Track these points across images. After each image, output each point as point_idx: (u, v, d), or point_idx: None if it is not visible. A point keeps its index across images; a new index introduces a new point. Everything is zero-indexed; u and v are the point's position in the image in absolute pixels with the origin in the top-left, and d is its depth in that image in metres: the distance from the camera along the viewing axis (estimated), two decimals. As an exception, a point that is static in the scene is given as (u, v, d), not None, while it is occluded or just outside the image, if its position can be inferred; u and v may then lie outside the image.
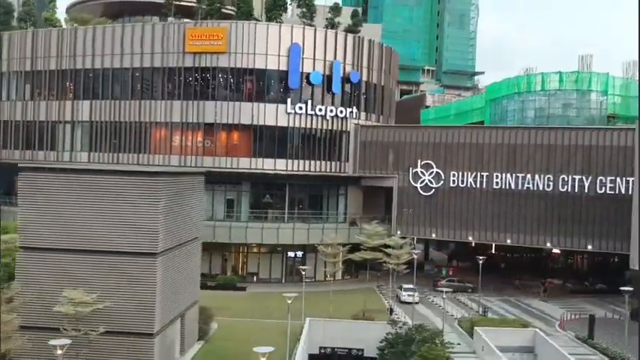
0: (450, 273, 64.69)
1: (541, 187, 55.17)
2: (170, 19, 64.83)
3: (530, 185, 55.50)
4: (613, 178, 53.26)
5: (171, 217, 31.51)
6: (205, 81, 57.75)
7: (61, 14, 79.92)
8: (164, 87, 58.28)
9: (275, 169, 57.16)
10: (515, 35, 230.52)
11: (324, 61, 58.21)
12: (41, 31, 62.64)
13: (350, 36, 60.57)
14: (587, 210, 53.96)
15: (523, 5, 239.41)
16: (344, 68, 59.18)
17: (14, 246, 31.38)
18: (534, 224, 55.51)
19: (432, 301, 53.98)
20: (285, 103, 57.24)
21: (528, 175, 55.57)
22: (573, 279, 64.00)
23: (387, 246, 46.09)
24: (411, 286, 51.33)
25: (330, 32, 59.55)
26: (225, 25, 57.38)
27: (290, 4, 65.71)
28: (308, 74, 57.58)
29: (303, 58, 57.22)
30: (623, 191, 52.33)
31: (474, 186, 57.19)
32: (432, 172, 58.37)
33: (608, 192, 53.30)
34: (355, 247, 50.20)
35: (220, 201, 58.76)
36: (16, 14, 69.25)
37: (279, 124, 57.22)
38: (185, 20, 62.38)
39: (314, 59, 57.78)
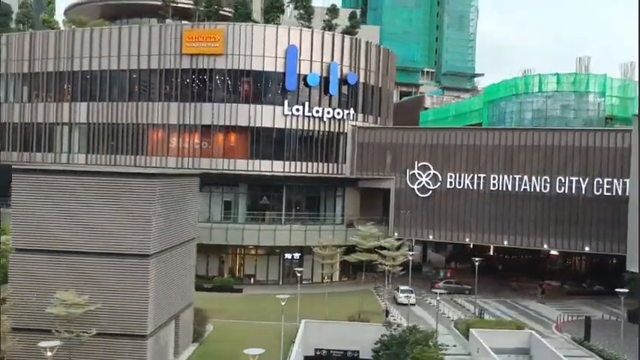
0: (448, 275, 64.63)
1: (538, 189, 55.11)
2: (168, 21, 64.86)
3: (528, 187, 55.45)
4: (610, 179, 53.22)
5: (165, 219, 31.49)
6: (202, 83, 57.76)
7: (59, 16, 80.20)
8: (161, 89, 58.28)
9: (272, 171, 57.15)
10: (515, 36, 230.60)
11: (322, 62, 58.21)
12: (39, 33, 62.73)
13: (347, 38, 60.59)
14: (585, 212, 53.89)
15: (523, 4, 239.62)
16: (341, 70, 59.20)
17: (9, 247, 31.39)
18: (531, 226, 55.46)
19: (429, 303, 53.87)
20: (283, 104, 57.22)
21: (525, 177, 55.53)
22: (571, 281, 63.92)
23: (382, 248, 45.99)
24: (407, 287, 51.24)
25: (328, 34, 59.57)
26: (222, 26, 57.43)
27: (287, 6, 65.72)
28: (305, 76, 57.58)
29: (300, 60, 57.24)
30: (620, 193, 52.27)
31: (471, 188, 57.14)
32: (429, 173, 58.33)
33: (605, 194, 53.25)
34: (352, 249, 50.18)
35: (217, 203, 58.77)
36: (14, 16, 69.18)
37: (276, 126, 57.21)
38: (183, 22, 62.43)
39: (311, 61, 57.79)
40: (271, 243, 57.25)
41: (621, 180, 52.20)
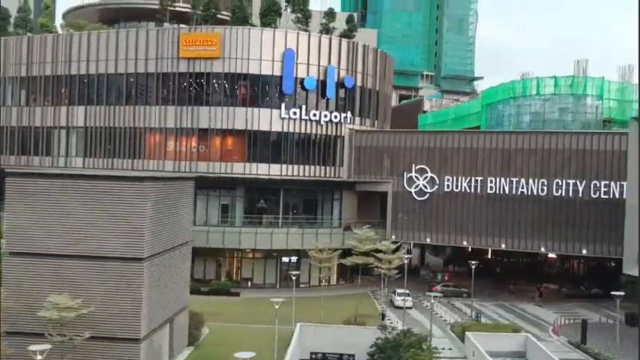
0: (446, 278, 64.48)
1: (535, 192, 55.05)
2: (166, 24, 64.98)
3: (525, 190, 55.39)
4: (607, 182, 53.16)
5: (159, 222, 31.49)
6: (199, 86, 57.82)
7: (59, 20, 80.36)
8: (158, 92, 58.35)
9: (269, 174, 57.16)
10: (514, 39, 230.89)
11: (319, 66, 58.27)
12: (36, 37, 62.86)
13: (344, 41, 60.64)
14: (582, 214, 53.82)
15: (522, 8, 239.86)
16: (338, 73, 59.23)
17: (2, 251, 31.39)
18: (529, 229, 55.38)
19: (427, 306, 53.68)
20: (280, 108, 57.25)
21: (522, 180, 55.48)
22: (569, 284, 63.81)
23: (379, 251, 45.94)
24: (404, 290, 51.15)
25: (325, 37, 59.63)
26: (219, 30, 57.50)
27: (285, 10, 65.82)
28: (302, 79, 57.61)
29: (297, 64, 57.27)
30: (617, 195, 52.17)
31: (468, 191, 57.09)
32: (427, 176, 58.30)
33: (602, 196, 53.18)
34: (349, 252, 50.12)
35: (215, 206, 58.77)
36: (12, 20, 69.30)
37: (273, 129, 57.26)
38: (180, 26, 62.52)
39: (308, 64, 57.84)
40: (268, 246, 57.19)
41: (618, 183, 52.10)
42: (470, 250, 65.32)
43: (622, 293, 38.52)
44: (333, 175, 59.94)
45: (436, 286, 59.69)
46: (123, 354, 29.36)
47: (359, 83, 61.32)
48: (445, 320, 49.04)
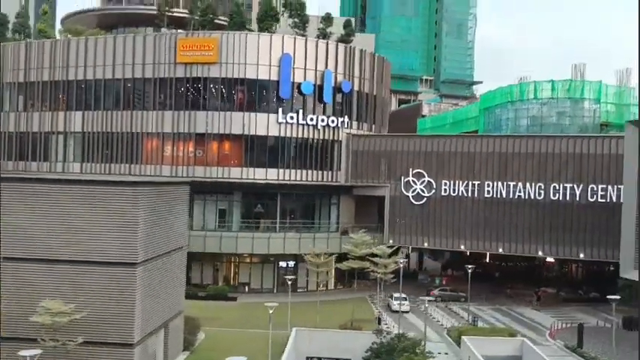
0: (444, 282, 64.36)
1: (532, 196, 55.03)
2: (163, 30, 65.17)
3: (522, 194, 55.36)
4: (604, 186, 53.15)
5: (153, 227, 31.46)
6: (196, 91, 57.92)
7: (58, 26, 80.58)
8: (155, 97, 58.46)
9: (266, 179, 57.16)
10: (514, 39, 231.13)
11: (316, 70, 58.34)
12: (34, 43, 63.01)
13: (341, 46, 60.74)
14: (579, 218, 53.79)
15: (522, 8, 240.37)
16: (335, 78, 59.30)
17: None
18: (526, 233, 55.34)
19: (424, 310, 53.53)
20: (277, 112, 57.31)
21: (520, 184, 55.46)
22: (567, 288, 63.65)
23: (375, 255, 45.90)
24: (402, 295, 51.02)
25: (321, 42, 59.73)
26: (216, 35, 57.62)
27: (282, 15, 65.99)
28: (299, 84, 57.71)
29: (294, 68, 57.36)
30: (614, 199, 52.13)
31: (465, 195, 57.06)
32: (424, 181, 58.29)
33: (599, 200, 53.17)
34: (346, 257, 50.03)
35: (212, 211, 58.78)
36: (10, 26, 69.49)
37: (270, 134, 57.30)
38: (178, 31, 62.68)
39: (305, 69, 57.91)
40: (265, 251, 57.16)
41: (615, 186, 52.04)
42: (468, 254, 65.28)
43: (617, 297, 38.54)
44: (330, 179, 59.95)
45: (434, 290, 59.60)
46: (117, 359, 29.29)
47: (356, 88, 61.38)
48: (442, 324, 48.95)
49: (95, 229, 29.35)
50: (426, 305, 40.75)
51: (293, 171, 57.92)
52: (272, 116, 57.23)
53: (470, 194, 56.91)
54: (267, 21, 62.43)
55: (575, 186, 53.97)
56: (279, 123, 57.30)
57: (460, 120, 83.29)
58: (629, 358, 39.30)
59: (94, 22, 75.46)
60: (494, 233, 56.34)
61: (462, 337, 39.90)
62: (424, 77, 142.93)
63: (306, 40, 58.87)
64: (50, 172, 60.34)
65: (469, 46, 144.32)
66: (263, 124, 57.10)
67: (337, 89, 59.59)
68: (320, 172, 59.26)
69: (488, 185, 56.42)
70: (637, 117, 58.96)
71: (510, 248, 56.39)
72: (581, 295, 61.13)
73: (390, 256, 45.77)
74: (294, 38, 58.56)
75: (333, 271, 58.66)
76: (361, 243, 46.60)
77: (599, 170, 53.54)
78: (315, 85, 58.18)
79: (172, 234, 34.87)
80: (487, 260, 71.04)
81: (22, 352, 21.31)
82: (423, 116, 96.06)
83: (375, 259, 45.32)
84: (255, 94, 58.07)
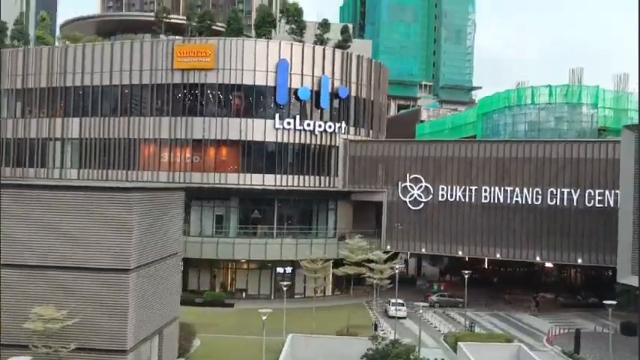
0: (442, 288, 64.16)
1: (530, 201, 54.91)
2: (161, 36, 65.30)
3: (519, 199, 55.24)
4: (602, 190, 53.03)
5: (146, 233, 31.36)
6: (194, 97, 57.98)
7: (58, 32, 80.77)
8: (153, 104, 58.50)
9: (263, 185, 57.11)
10: (513, 44, 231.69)
11: (312, 76, 58.38)
12: (32, 49, 63.20)
13: (338, 51, 60.81)
14: (576, 223, 53.65)
15: (522, 8, 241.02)
16: (332, 83, 59.34)
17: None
18: (524, 238, 55.19)
19: (421, 316, 53.37)
20: (274, 118, 57.31)
21: (517, 189, 55.34)
22: (566, 293, 63.41)
23: (371, 261, 45.78)
24: (399, 300, 50.93)
25: (318, 48, 59.79)
26: (213, 41, 57.72)
27: (279, 21, 66.13)
28: (296, 90, 57.72)
29: (291, 74, 57.40)
30: (611, 204, 51.98)
31: (462, 200, 56.95)
32: (421, 186, 58.18)
33: (596, 205, 53.05)
34: (342, 263, 49.89)
35: (209, 217, 58.68)
36: (9, 33, 69.63)
37: (267, 140, 57.31)
38: (175, 37, 62.81)
39: (302, 75, 57.96)
40: (262, 257, 57.04)
41: (613, 191, 51.93)
42: (467, 259, 65.14)
43: (614, 302, 38.34)
44: (327, 185, 59.88)
45: (432, 295, 59.46)
46: (110, 365, 29.16)
47: (353, 93, 61.41)
48: (439, 330, 48.77)
49: (88, 236, 29.26)
50: (421, 312, 40.51)
51: (290, 176, 57.87)
52: (269, 122, 57.24)
53: (467, 199, 56.80)
54: (265, 27, 62.61)
55: (572, 191, 53.87)
56: (277, 129, 57.29)
57: (459, 125, 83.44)
58: (625, 364, 39.14)
59: (93, 29, 75.88)
60: (492, 238, 56.20)
61: (459, 342, 39.69)
62: (423, 83, 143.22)
63: (303, 45, 58.96)
64: (48, 178, 60.39)
65: (468, 51, 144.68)
66: (260, 129, 57.10)
67: (334, 95, 59.63)
68: (317, 178, 59.20)
69: (486, 190, 56.31)
70: (634, 122, 59.02)
71: (508, 254, 56.23)
72: (579, 300, 60.93)
73: (386, 261, 45.64)
74: (291, 44, 58.65)
75: (331, 277, 58.54)
76: (357, 248, 46.49)
77: (597, 175, 53.44)
78: (312, 91, 58.20)
79: (167, 240, 34.76)
80: (486, 266, 70.92)
81: (13, 359, 21.19)
82: (422, 122, 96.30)
83: (371, 265, 45.20)
84: (253, 100, 58.15)
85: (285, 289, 42.91)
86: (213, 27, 66.06)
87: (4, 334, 28.45)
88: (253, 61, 56.84)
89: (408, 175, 58.71)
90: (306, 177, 58.58)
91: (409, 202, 58.54)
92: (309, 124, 58.31)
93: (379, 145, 61.62)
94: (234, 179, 56.85)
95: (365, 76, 63.02)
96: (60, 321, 27.24)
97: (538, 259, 56.34)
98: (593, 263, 54.38)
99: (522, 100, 67.89)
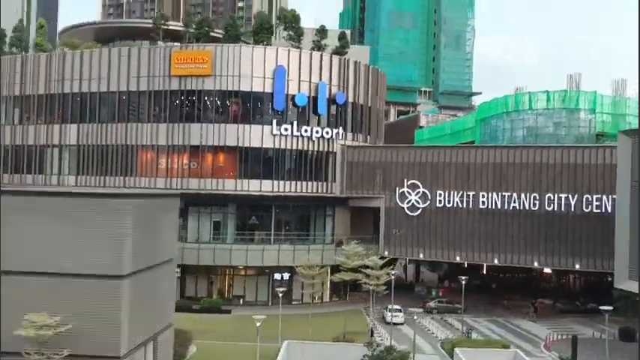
0: (440, 294, 63.97)
1: (527, 207, 54.81)
2: (159, 43, 65.45)
3: (517, 204, 55.14)
4: (599, 196, 52.93)
5: (140, 239, 31.23)
6: (191, 103, 58.06)
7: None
8: (150, 110, 58.59)
9: (261, 191, 57.08)
10: (513, 50, 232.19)
11: (310, 82, 58.45)
12: (30, 56, 63.43)
13: (335, 58, 60.91)
14: (574, 229, 53.54)
15: (521, 15, 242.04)
16: (330, 89, 59.40)
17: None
18: (521, 244, 55.07)
19: (419, 322, 53.25)
20: (271, 124, 57.34)
21: (514, 195, 55.25)
22: (564, 299, 63.23)
23: (367, 267, 45.68)
24: (396, 306, 50.80)
25: (315, 54, 59.89)
26: (210, 48, 57.83)
27: (277, 28, 66.27)
28: (293, 96, 57.79)
29: (288, 80, 57.47)
30: (609, 209, 51.81)
31: (460, 206, 56.86)
32: (419, 191, 58.11)
33: (594, 210, 52.96)
34: (339, 269, 49.84)
35: (206, 223, 58.65)
36: (7, 40, 69.84)
37: (264, 146, 57.31)
38: (173, 44, 62.97)
39: (299, 81, 58.03)
40: (259, 263, 56.95)
41: (610, 196, 51.75)
42: (466, 265, 64.96)
43: (610, 308, 38.28)
44: (325, 190, 59.83)
45: (430, 302, 59.31)
46: (103, 372, 29.04)
47: (350, 99, 61.46)
48: (437, 337, 48.60)
49: (81, 242, 29.14)
50: (415, 318, 40.42)
51: (288, 182, 57.86)
52: (266, 128, 57.28)
53: (465, 205, 56.72)
54: (262, 34, 62.76)
55: (569, 196, 53.77)
56: (274, 135, 57.32)
57: (458, 131, 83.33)
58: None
59: (91, 36, 76.07)
60: (490, 244, 56.08)
61: (455, 349, 39.64)
62: (423, 89, 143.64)
63: (300, 52, 59.06)
64: (45, 184, 60.44)
65: (467, 57, 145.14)
66: (257, 135, 57.13)
67: (331, 101, 59.67)
68: (315, 184, 59.18)
69: (483, 196, 56.22)
70: (633, 127, 58.91)
71: (506, 259, 56.10)
72: (578, 306, 60.72)
73: (382, 267, 45.52)
74: (288, 50, 58.76)
75: (329, 283, 58.48)
76: (353, 254, 46.42)
77: (594, 180, 53.37)
78: (309, 97, 58.26)
79: (161, 246, 34.64)
80: (484, 272, 70.66)
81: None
82: (421, 127, 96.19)
83: (367, 271, 45.08)
84: (250, 106, 58.19)
85: (281, 295, 42.72)
86: (211, 34, 66.25)
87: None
88: (250, 67, 56.94)
89: (405, 180, 58.65)
90: (304, 183, 58.57)
91: (407, 207, 58.47)
92: (306, 130, 58.33)
93: (377, 151, 61.62)
94: (231, 185, 56.85)
95: (362, 82, 63.08)
96: (52, 327, 27.15)
97: (536, 264, 56.21)
98: (590, 269, 54.23)
99: (520, 105, 67.82)
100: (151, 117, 58.45)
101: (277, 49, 58.44)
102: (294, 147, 58.12)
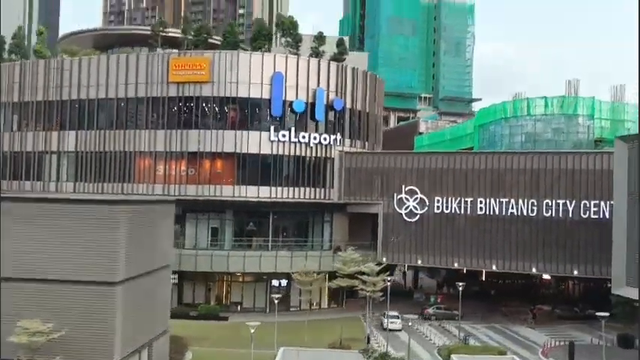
0: (439, 300, 63.77)
1: (525, 213, 54.73)
2: (158, 50, 65.62)
3: (515, 210, 55.06)
4: (597, 202, 52.83)
5: (135, 246, 31.24)
6: (189, 110, 58.12)
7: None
8: (148, 117, 58.66)
9: (258, 197, 57.05)
10: (514, 53, 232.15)
11: (307, 88, 58.50)
12: (29, 63, 63.58)
13: (333, 64, 60.99)
14: (572, 235, 53.43)
15: (521, 20, 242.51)
16: (327, 95, 59.42)
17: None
18: (519, 250, 54.94)
19: (416, 329, 53.16)
20: (269, 130, 57.38)
21: (512, 201, 55.17)
22: (563, 305, 62.99)
23: (363, 273, 45.58)
24: (393, 313, 50.65)
25: (313, 60, 59.98)
26: (208, 54, 57.96)
27: (275, 34, 66.41)
28: (291, 102, 57.85)
29: (285, 86, 57.54)
30: (607, 215, 51.69)
31: (458, 212, 56.79)
32: (417, 198, 58.07)
33: (592, 216, 52.85)
34: (336, 275, 49.70)
35: (204, 229, 58.61)
36: (7, 47, 70.09)
37: (262, 152, 57.30)
38: (171, 50, 63.12)
39: (297, 87, 58.09)
40: (257, 270, 56.83)
41: (608, 202, 51.60)
42: (465, 272, 64.85)
43: (607, 314, 38.12)
44: (323, 197, 59.79)
45: (428, 308, 59.12)
46: (96, 379, 28.98)
47: (348, 105, 61.49)
48: (434, 343, 48.43)
49: (75, 248, 29.19)
50: (409, 324, 40.27)
51: (285, 189, 57.83)
52: (264, 134, 57.31)
53: (462, 211, 56.64)
54: (260, 40, 62.93)
55: (567, 202, 53.68)
56: (272, 141, 57.34)
57: (457, 137, 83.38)
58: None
59: (90, 43, 76.26)
60: (488, 250, 55.96)
61: (452, 355, 39.52)
62: (423, 95, 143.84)
63: (297, 58, 59.17)
64: (44, 191, 60.49)
65: (467, 63, 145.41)
66: (255, 142, 57.16)
67: (329, 107, 59.70)
68: (313, 190, 59.14)
69: (481, 202, 56.15)
70: (631, 132, 58.84)
71: (504, 265, 55.96)
72: (577, 312, 60.42)
73: (378, 273, 45.41)
74: (286, 57, 58.88)
75: (327, 289, 58.36)
76: (350, 260, 46.32)
77: (592, 186, 53.28)
78: (307, 103, 58.29)
79: (156, 252, 34.65)
80: (483, 278, 70.48)
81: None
82: (420, 133, 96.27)
83: (364, 277, 44.98)
84: (248, 113, 58.23)
85: (276, 302, 42.60)
86: (210, 40, 66.45)
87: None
88: (248, 73, 57.02)
89: (403, 186, 58.61)
90: (302, 189, 58.54)
91: (405, 213, 58.40)
92: (304, 136, 58.35)
93: (375, 157, 61.62)
94: (229, 192, 56.83)
95: (360, 88, 63.14)
96: (45, 334, 27.13)
97: (534, 270, 56.05)
98: (589, 275, 54.07)
99: (518, 111, 67.92)
100: (149, 123, 58.51)
101: (275, 56, 58.57)
102: (292, 153, 58.12)
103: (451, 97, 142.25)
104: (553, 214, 53.97)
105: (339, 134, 60.60)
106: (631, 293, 41.67)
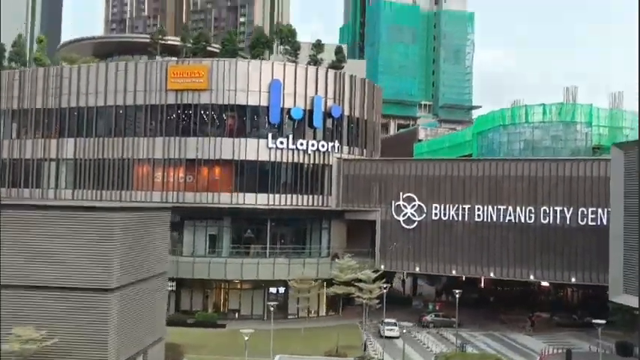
0: (437, 308, 63.61)
1: (523, 220, 54.71)
2: (157, 58, 65.88)
3: (512, 217, 55.04)
4: (595, 209, 52.81)
5: (130, 253, 31.35)
6: (187, 117, 58.23)
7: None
8: (147, 124, 58.77)
9: (256, 204, 57.08)
10: (513, 61, 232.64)
11: (305, 96, 58.62)
12: (28, 70, 63.83)
13: (331, 71, 61.16)
14: (570, 242, 53.38)
15: (521, 25, 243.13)
16: (325, 103, 59.56)
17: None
18: (517, 257, 54.89)
19: (415, 337, 53.02)
20: (267, 138, 57.49)
21: (510, 208, 55.17)
22: (562, 312, 62.77)
23: (360, 280, 45.54)
24: (391, 320, 50.55)
25: (311, 68, 60.16)
26: (206, 62, 58.16)
27: (273, 42, 66.65)
28: (289, 109, 57.97)
29: (284, 94, 57.70)
30: (605, 222, 51.62)
31: (456, 219, 56.77)
32: (414, 205, 58.07)
33: (589, 223, 52.81)
34: (332, 282, 49.69)
35: (202, 237, 58.61)
36: (7, 54, 70.36)
37: (260, 159, 57.37)
38: (170, 58, 63.37)
39: (295, 94, 58.23)
40: (254, 277, 56.77)
41: (606, 209, 51.54)
42: (464, 279, 64.75)
43: (603, 321, 38.02)
44: (321, 204, 59.81)
45: (426, 316, 58.98)
46: (90, 386, 28.99)
47: (346, 112, 61.60)
48: (431, 351, 48.31)
49: (70, 255, 29.29)
50: (405, 331, 40.23)
51: (283, 196, 57.86)
52: (262, 141, 57.41)
53: (460, 218, 56.63)
54: (259, 48, 63.19)
55: (565, 209, 53.67)
56: (270, 148, 57.44)
57: (456, 144, 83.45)
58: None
59: (90, 51, 76.56)
60: (486, 257, 55.91)
61: (448, 362, 39.38)
62: (423, 102, 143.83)
63: (295, 66, 59.35)
64: (42, 198, 60.57)
65: (467, 71, 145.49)
66: (253, 149, 57.25)
67: (327, 114, 59.81)
68: (311, 197, 59.17)
69: (479, 209, 56.15)
70: (630, 139, 58.87)
71: (502, 273, 55.87)
72: (575, 320, 60.20)
73: (374, 281, 45.36)
74: (284, 64, 59.07)
75: (324, 297, 58.28)
76: (346, 268, 46.30)
77: (590, 193, 53.27)
78: (305, 111, 58.43)
79: (152, 260, 34.69)
80: (482, 285, 70.42)
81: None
82: (420, 141, 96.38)
83: (360, 285, 44.93)
84: (246, 120, 58.39)
85: (272, 309, 42.55)
86: (209, 48, 66.72)
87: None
88: (246, 81, 57.20)
89: (401, 193, 58.63)
90: (300, 196, 58.57)
91: (402, 221, 58.38)
92: (302, 144, 58.45)
93: (373, 164, 61.67)
94: (227, 199, 56.87)
95: (358, 95, 63.28)
96: (38, 341, 27.15)
97: (532, 277, 55.95)
98: (587, 282, 54.00)
99: (517, 118, 68.00)
100: (147, 131, 58.62)
101: (273, 64, 58.78)
102: (290, 160, 58.19)
103: (451, 104, 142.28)
104: (551, 221, 53.95)
105: (337, 141, 60.71)
106: (628, 300, 41.61)
